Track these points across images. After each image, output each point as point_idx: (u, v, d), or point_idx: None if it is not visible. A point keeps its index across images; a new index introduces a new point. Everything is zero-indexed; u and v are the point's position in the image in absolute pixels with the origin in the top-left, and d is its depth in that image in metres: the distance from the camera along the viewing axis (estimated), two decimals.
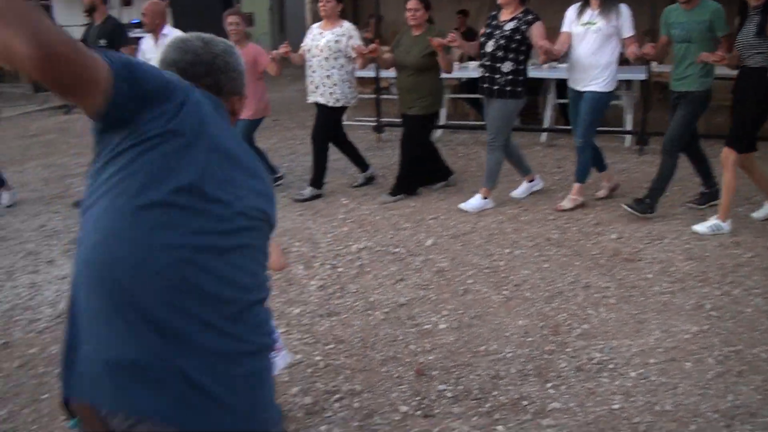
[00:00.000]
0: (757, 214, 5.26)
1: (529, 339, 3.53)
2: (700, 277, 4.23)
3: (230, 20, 6.06)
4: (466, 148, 7.79)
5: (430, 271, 4.41)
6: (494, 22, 5.52)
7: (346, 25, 6.08)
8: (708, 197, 5.50)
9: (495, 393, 3.08)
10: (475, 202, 5.63)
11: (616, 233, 4.95)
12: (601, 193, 5.81)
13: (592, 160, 5.61)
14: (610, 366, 3.27)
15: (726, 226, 4.95)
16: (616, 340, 3.51)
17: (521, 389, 3.10)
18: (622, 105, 7.77)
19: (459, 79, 8.48)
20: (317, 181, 6.21)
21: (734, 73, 5.03)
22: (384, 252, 4.79)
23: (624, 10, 5.27)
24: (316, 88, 6.09)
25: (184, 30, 7.98)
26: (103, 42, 6.14)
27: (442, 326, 3.70)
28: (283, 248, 4.88)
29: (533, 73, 7.63)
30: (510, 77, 5.40)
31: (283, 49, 6.06)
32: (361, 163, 6.51)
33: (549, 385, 3.13)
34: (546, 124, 8.22)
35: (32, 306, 4.25)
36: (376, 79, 8.40)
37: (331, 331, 3.68)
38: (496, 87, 5.44)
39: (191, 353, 1.47)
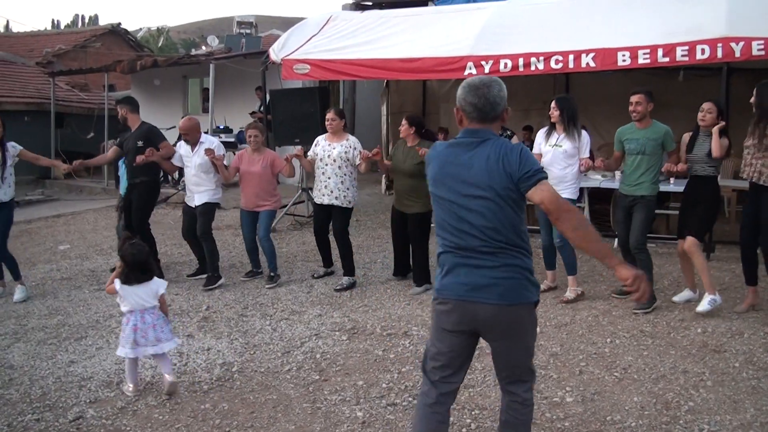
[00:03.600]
0: (678, 298, 6.25)
1: (646, 412, 4.16)
2: None
3: (250, 132, 7.27)
4: None
5: (545, 354, 5.07)
6: None
7: (352, 139, 7.22)
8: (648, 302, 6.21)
9: None
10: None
11: (701, 328, 5.60)
12: (570, 295, 6.49)
13: (544, 257, 6.64)
14: None
15: (718, 298, 5.93)
16: (719, 416, 4.12)
17: None
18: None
19: None
20: (352, 269, 7.18)
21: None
22: None
23: (584, 134, 6.38)
24: (330, 192, 7.07)
25: (282, 125, 9.01)
26: (140, 143, 7.20)
27: (569, 399, 4.34)
28: (403, 331, 5.59)
29: (605, 183, 8.50)
30: None
31: (297, 151, 7.19)
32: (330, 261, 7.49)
33: None
34: None
35: (188, 371, 4.95)
36: None
37: (472, 400, 4.34)
38: None
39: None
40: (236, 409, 4.30)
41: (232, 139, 12.98)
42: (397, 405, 4.26)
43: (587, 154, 6.35)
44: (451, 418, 4.05)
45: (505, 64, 8.06)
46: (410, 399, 4.31)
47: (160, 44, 43.45)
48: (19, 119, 16.50)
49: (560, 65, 7.90)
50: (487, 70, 8.15)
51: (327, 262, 7.51)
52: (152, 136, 7.30)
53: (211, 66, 12.45)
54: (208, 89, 13.61)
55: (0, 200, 6.73)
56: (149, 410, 4.33)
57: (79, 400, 4.50)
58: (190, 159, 7.24)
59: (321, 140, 7.28)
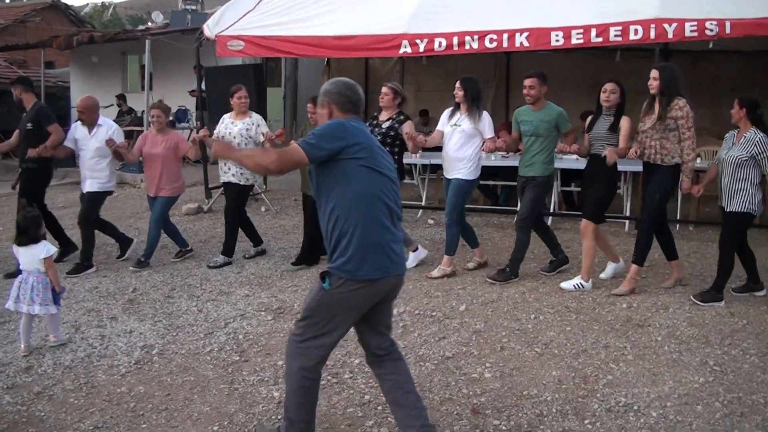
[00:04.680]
0: (605, 275, 6.34)
1: (564, 386, 4.18)
2: (702, 340, 4.92)
3: (153, 113, 7.14)
4: (480, 230, 8.50)
5: (467, 331, 5.07)
6: (375, 122, 6.72)
7: (255, 116, 7.18)
8: (556, 264, 6.55)
9: (542, 427, 3.71)
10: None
11: (626, 303, 5.66)
12: (471, 264, 6.72)
13: (462, 237, 6.61)
14: (635, 408, 3.91)
15: (588, 285, 6.01)
16: (636, 388, 4.16)
17: (563, 424, 3.73)
18: (622, 194, 8.61)
19: None
20: (230, 250, 7.16)
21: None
22: (423, 315, 5.45)
23: (485, 115, 6.39)
24: (229, 169, 7.06)
25: (217, 103, 8.89)
26: (30, 125, 6.93)
27: (487, 375, 4.34)
28: None
29: (490, 162, 8.47)
30: None
31: (202, 132, 7.08)
32: (256, 238, 7.44)
33: (586, 421, 3.77)
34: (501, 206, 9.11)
35: (108, 354, 4.81)
36: None
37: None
38: None
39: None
40: (152, 392, 4.20)
41: (170, 118, 12.70)
42: None
43: (491, 134, 6.38)
44: (367, 396, 4.05)
45: (440, 43, 7.99)
46: (329, 378, 4.26)
47: (105, 20, 42.37)
48: None
49: (495, 44, 7.86)
50: (421, 49, 8.10)
51: (255, 240, 7.45)
52: (41, 118, 6.93)
53: (147, 42, 12.12)
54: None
55: None
56: (65, 394, 4.19)
57: None
58: (87, 142, 6.91)
59: (226, 118, 7.25)
